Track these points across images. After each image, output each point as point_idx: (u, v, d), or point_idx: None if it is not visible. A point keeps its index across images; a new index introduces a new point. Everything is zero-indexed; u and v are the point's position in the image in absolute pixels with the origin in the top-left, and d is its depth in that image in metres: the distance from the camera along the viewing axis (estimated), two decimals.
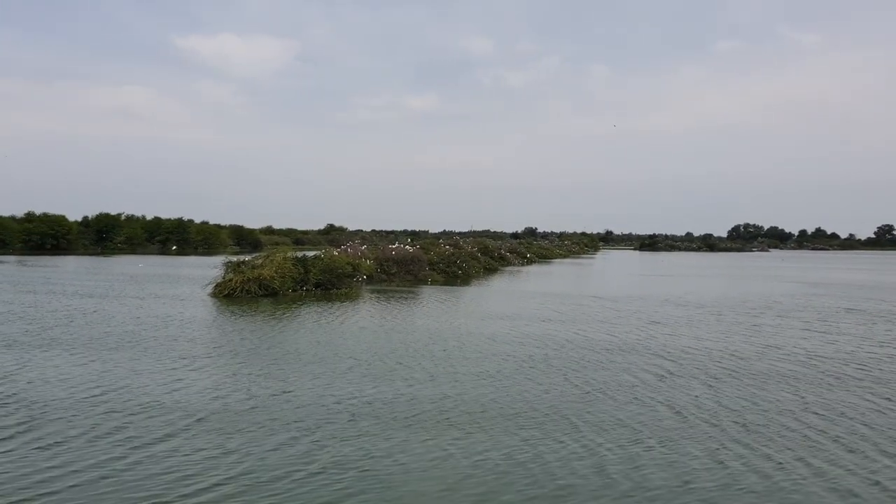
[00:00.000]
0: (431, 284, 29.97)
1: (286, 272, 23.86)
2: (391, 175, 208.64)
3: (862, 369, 12.02)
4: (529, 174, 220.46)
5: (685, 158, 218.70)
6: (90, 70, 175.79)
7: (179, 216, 78.12)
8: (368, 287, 27.28)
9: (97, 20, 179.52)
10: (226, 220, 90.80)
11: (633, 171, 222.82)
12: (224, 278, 23.64)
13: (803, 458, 7.11)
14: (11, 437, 7.30)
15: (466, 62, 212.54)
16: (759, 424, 8.33)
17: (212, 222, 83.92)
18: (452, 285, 30.15)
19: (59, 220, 66.08)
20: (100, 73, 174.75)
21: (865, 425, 8.40)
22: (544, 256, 67.19)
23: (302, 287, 24.36)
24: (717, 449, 7.34)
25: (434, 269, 33.79)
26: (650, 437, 7.71)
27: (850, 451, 7.36)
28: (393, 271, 31.17)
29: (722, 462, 6.94)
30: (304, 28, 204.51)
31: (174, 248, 70.55)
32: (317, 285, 24.80)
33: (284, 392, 9.50)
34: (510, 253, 53.55)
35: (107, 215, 72.52)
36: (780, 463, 6.95)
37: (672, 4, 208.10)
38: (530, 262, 56.97)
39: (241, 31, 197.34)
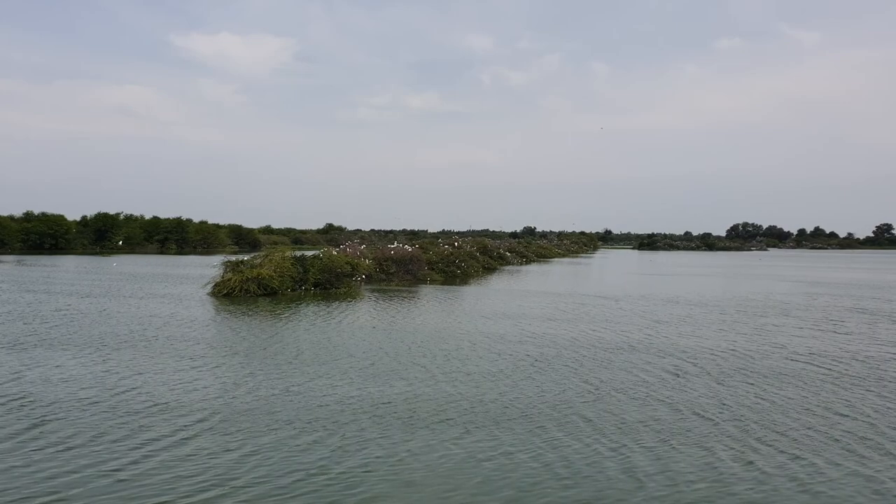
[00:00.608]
0: (430, 284, 29.73)
1: (285, 271, 23.65)
2: (390, 174, 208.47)
3: (875, 369, 11.85)
4: (529, 173, 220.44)
5: (684, 157, 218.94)
6: (89, 69, 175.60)
7: (178, 216, 77.83)
8: (367, 286, 27.03)
9: (97, 19, 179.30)
10: (224, 219, 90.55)
11: (633, 170, 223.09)
12: (223, 278, 23.39)
13: (833, 460, 6.94)
14: (22, 438, 7.15)
15: (466, 61, 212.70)
16: (782, 424, 8.19)
17: (210, 222, 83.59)
18: (451, 285, 29.93)
19: (58, 220, 65.87)
20: (99, 72, 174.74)
21: (890, 426, 8.18)
22: (543, 256, 66.95)
23: (301, 286, 24.13)
24: (745, 450, 7.19)
25: (433, 269, 33.56)
26: (674, 438, 7.56)
27: (881, 452, 7.22)
28: (392, 271, 30.93)
29: (752, 463, 6.79)
30: (303, 27, 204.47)
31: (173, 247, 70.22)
32: (316, 284, 24.57)
33: (301, 392, 9.33)
34: (509, 252, 53.31)
35: (105, 215, 72.23)
36: (811, 464, 6.80)
37: (672, 2, 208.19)
38: (529, 261, 56.71)
39: (241, 29, 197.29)
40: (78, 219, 71.15)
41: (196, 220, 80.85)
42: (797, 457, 6.97)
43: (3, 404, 8.42)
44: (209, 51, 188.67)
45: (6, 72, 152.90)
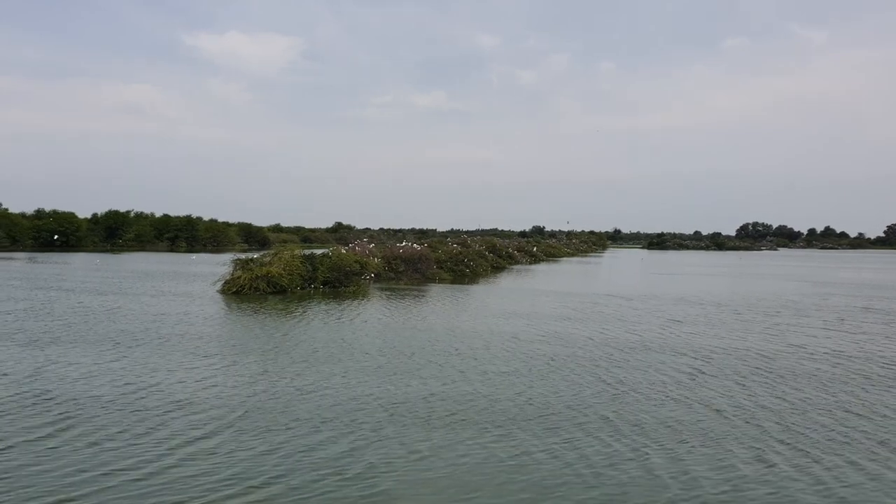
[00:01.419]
0: (439, 283, 29.68)
1: (294, 270, 23.68)
2: (399, 173, 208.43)
3: (891, 369, 11.62)
4: (537, 172, 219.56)
5: (693, 156, 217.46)
6: (99, 68, 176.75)
7: (188, 214, 78.20)
8: (376, 285, 27.01)
9: (103, 18, 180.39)
10: (234, 217, 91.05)
11: (641, 169, 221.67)
12: (233, 276, 23.42)
13: (854, 462, 6.88)
14: (50, 435, 7.19)
15: (474, 59, 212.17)
16: (800, 425, 8.13)
17: (220, 220, 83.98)
18: (461, 284, 29.86)
19: (69, 218, 66.34)
20: (108, 71, 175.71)
21: None
22: (552, 255, 66.76)
23: (310, 285, 24.14)
24: (763, 451, 7.14)
25: (442, 268, 33.50)
26: (693, 438, 7.51)
27: None
28: (401, 269, 30.92)
29: (772, 465, 6.73)
30: (311, 26, 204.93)
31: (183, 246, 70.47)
32: (325, 283, 24.58)
33: (318, 390, 9.34)
34: (518, 251, 53.15)
35: (116, 213, 72.74)
36: (831, 467, 6.73)
37: (681, 1, 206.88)
38: (538, 260, 56.55)
39: (249, 28, 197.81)
40: (88, 216, 71.72)
41: (206, 218, 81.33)
42: (819, 459, 6.89)
43: (24, 402, 8.48)
44: (217, 49, 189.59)
45: (15, 70, 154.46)
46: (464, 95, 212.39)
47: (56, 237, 61.38)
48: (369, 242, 38.43)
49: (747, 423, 8.12)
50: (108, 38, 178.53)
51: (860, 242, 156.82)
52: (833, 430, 7.91)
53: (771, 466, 6.64)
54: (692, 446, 7.19)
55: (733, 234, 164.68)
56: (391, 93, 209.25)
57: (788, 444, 7.34)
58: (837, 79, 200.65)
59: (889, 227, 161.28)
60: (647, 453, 6.94)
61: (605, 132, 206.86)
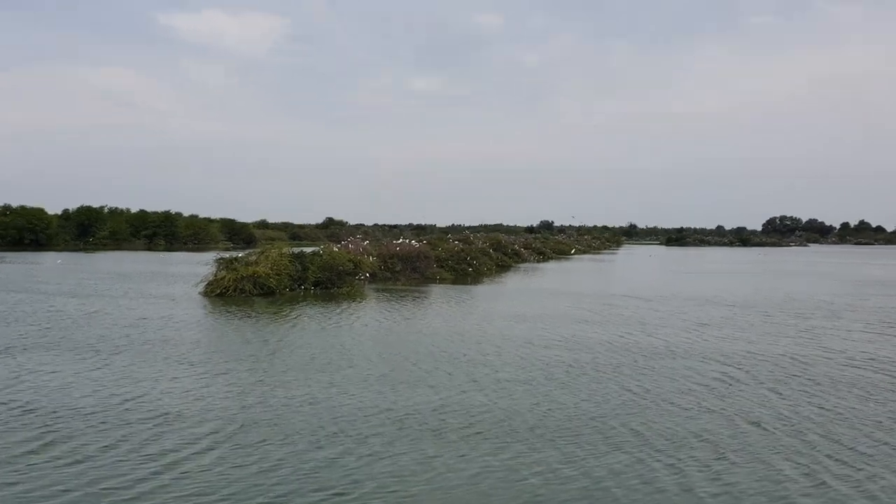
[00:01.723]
0: (440, 283, 29.65)
1: (283, 269, 23.59)
2: (395, 165, 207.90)
3: None
4: (545, 164, 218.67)
5: (715, 144, 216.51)
6: (68, 51, 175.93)
7: (166, 209, 78.04)
8: (372, 286, 26.98)
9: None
10: (216, 213, 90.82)
11: (658, 159, 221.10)
12: (216, 276, 23.32)
13: None
14: (33, 451, 7.14)
15: (476, 41, 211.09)
16: (849, 438, 8.08)
17: (201, 216, 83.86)
18: (463, 284, 29.85)
19: (38, 214, 66.08)
20: (78, 54, 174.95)
21: None
22: (562, 252, 66.72)
23: (300, 285, 24.09)
24: (811, 467, 7.08)
25: (442, 267, 33.46)
26: (734, 453, 7.44)
27: None
28: (398, 269, 30.88)
29: (822, 482, 6.67)
30: (299, 6, 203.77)
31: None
32: (316, 284, 24.53)
33: (318, 401, 9.29)
34: (525, 249, 53.11)
35: (89, 208, 72.50)
36: (886, 485, 6.63)
37: None
38: (546, 258, 56.52)
39: (229, 7, 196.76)
40: (59, 212, 71.53)
41: (186, 213, 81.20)
42: (872, 475, 6.83)
43: (2, 414, 8.43)
44: (195, 30, 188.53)
45: None
46: (466, 80, 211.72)
47: None
48: (363, 240, 38.35)
49: (792, 436, 8.05)
50: (76, 17, 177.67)
51: None
52: (886, 442, 7.85)
53: (820, 484, 6.58)
54: (732, 462, 7.13)
55: (759, 228, 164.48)
56: (387, 77, 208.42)
57: (838, 459, 7.29)
58: (873, 59, 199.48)
59: None
60: (682, 469, 6.89)
61: (617, 119, 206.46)
